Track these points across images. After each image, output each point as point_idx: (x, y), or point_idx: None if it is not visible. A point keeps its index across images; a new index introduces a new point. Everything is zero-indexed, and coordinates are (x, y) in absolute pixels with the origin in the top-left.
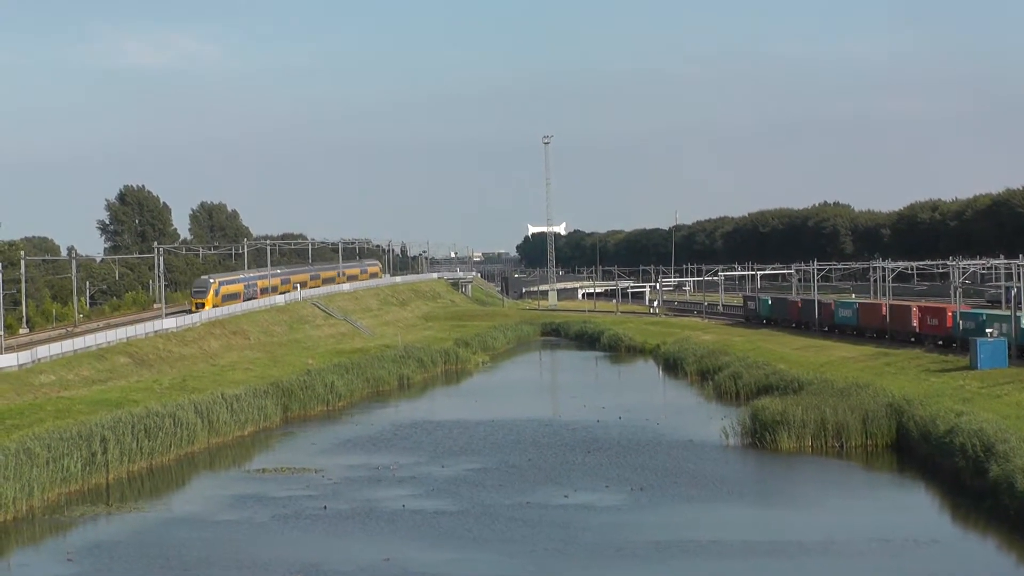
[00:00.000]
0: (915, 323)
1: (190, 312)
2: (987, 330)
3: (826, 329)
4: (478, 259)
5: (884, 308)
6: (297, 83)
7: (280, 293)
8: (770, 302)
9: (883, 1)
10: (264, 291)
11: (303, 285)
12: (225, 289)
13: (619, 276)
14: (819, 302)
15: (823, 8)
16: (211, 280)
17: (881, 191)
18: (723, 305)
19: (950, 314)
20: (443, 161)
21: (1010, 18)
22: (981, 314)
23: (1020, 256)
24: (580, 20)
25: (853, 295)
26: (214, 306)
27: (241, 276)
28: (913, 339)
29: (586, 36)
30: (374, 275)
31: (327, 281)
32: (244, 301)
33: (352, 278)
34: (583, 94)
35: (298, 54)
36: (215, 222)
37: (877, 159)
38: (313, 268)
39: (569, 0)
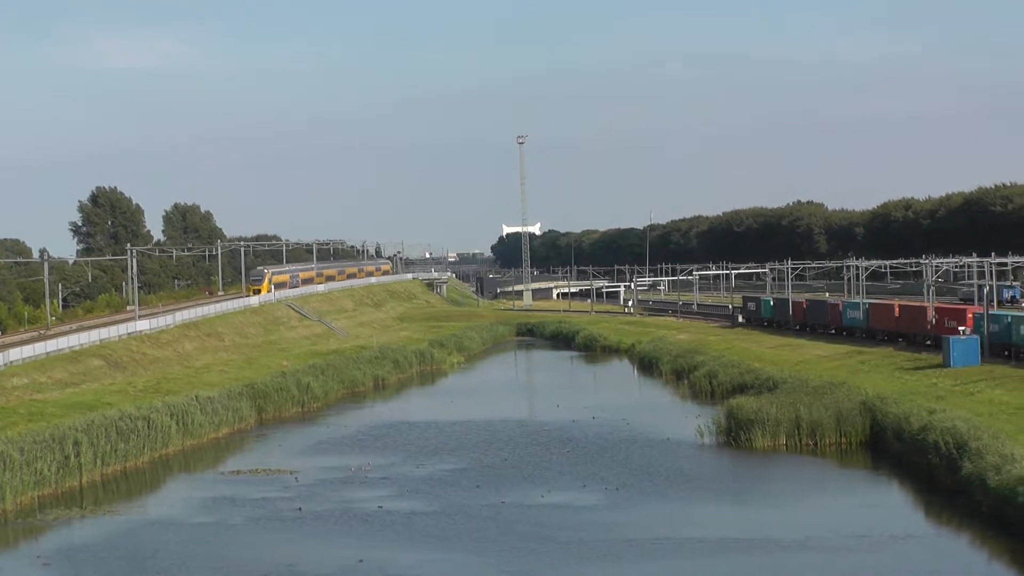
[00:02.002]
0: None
1: (248, 296)
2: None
3: (833, 331)
4: (453, 259)
5: (897, 309)
6: (271, 86)
7: (316, 284)
8: (772, 303)
9: (859, 3)
10: (305, 281)
11: (332, 278)
12: (276, 278)
13: (594, 276)
14: (827, 303)
15: (796, 10)
16: (265, 270)
17: (855, 190)
18: (698, 304)
19: (970, 316)
20: (418, 162)
21: (983, 19)
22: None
23: (992, 254)
24: (555, 22)
25: (827, 294)
26: (267, 291)
27: (287, 268)
28: (929, 342)
29: (561, 38)
30: (386, 272)
31: (350, 276)
32: (289, 288)
33: (370, 274)
34: (558, 95)
35: (272, 58)
36: (188, 223)
37: (850, 158)
38: (339, 264)
39: (543, 3)
